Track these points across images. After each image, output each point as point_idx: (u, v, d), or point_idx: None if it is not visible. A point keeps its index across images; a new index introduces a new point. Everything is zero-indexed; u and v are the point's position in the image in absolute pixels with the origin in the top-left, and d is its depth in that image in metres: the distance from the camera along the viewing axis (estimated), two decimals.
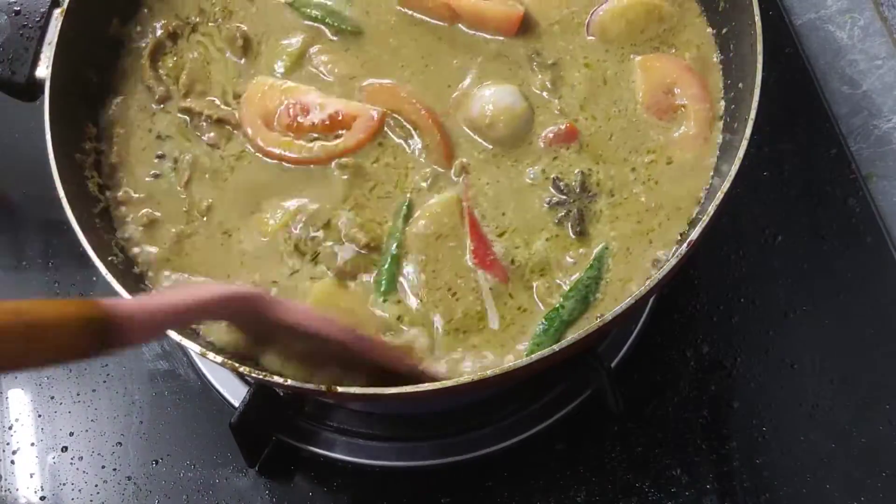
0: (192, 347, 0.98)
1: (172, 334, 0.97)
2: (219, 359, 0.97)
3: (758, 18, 1.06)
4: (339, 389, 0.95)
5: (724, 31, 1.16)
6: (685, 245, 0.98)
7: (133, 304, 0.87)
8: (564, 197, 1.11)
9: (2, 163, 1.54)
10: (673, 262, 0.97)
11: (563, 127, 1.14)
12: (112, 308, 0.81)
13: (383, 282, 1.08)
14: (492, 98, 1.14)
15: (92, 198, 1.14)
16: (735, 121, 1.10)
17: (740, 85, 1.10)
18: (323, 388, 0.95)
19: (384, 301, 1.07)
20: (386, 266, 1.08)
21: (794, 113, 1.44)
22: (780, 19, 1.51)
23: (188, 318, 0.93)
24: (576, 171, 1.11)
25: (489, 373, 0.93)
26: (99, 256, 1.02)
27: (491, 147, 1.14)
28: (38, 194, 1.44)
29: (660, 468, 1.23)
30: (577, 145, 1.13)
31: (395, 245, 1.09)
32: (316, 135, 1.14)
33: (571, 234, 1.09)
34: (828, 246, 1.36)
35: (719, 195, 0.98)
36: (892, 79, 1.48)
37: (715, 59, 1.17)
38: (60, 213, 1.05)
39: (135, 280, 1.10)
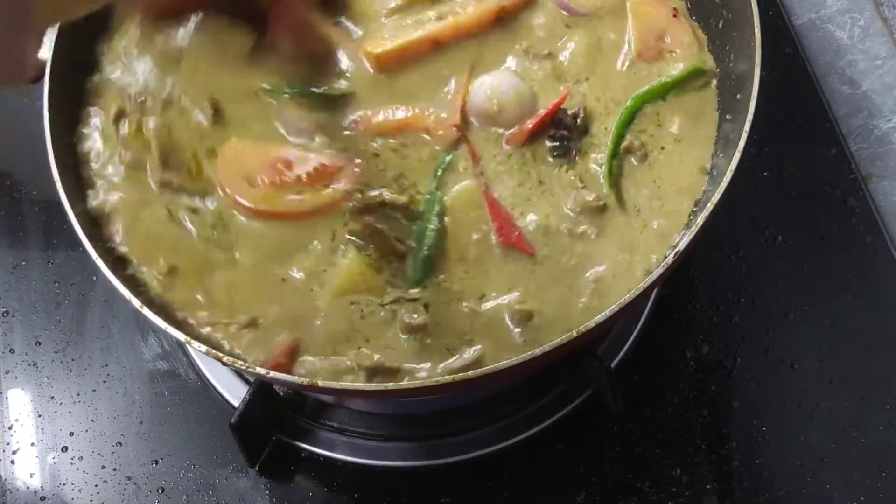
0: (177, 335, 0.98)
1: (173, 331, 0.97)
2: (203, 348, 0.98)
3: (757, 31, 1.06)
4: (320, 383, 0.95)
5: (726, 47, 1.16)
6: (672, 255, 0.98)
7: None
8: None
9: (6, 146, 1.54)
10: (659, 271, 0.97)
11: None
12: None
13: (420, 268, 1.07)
14: (492, 83, 1.14)
15: (91, 184, 1.13)
16: (730, 132, 1.10)
17: (738, 96, 1.09)
18: (306, 381, 0.96)
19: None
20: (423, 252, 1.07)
21: (794, 113, 1.44)
22: (780, 19, 1.51)
23: None
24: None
25: (471, 374, 0.93)
26: (94, 247, 1.02)
27: (503, 131, 1.14)
28: (41, 184, 1.45)
29: (660, 468, 1.23)
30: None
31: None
32: (301, 188, 1.11)
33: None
34: (828, 246, 1.36)
35: (709, 206, 0.98)
36: (892, 79, 1.48)
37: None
38: (62, 205, 1.05)
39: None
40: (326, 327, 1.04)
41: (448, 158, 1.12)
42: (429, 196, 1.10)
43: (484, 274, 1.07)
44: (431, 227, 1.08)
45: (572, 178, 1.10)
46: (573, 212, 1.09)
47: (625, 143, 1.12)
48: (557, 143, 1.12)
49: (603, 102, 1.15)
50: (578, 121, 1.13)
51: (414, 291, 1.05)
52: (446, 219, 1.09)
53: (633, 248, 1.07)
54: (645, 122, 1.14)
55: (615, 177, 1.10)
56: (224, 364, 0.98)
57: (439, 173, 1.11)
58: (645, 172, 1.11)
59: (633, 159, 1.12)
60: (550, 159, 1.12)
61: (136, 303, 0.98)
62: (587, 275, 1.06)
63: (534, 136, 1.13)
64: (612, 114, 1.14)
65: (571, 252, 1.07)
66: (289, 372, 1.02)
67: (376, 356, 1.02)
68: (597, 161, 1.11)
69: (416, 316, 1.04)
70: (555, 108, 1.13)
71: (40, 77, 1.13)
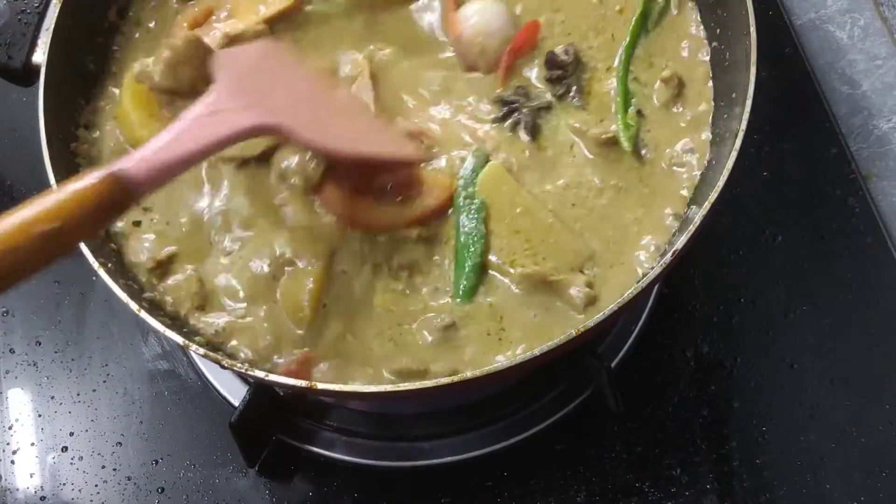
0: (176, 339, 0.98)
1: (171, 334, 0.98)
2: (201, 350, 0.98)
3: (753, 30, 1.06)
4: (320, 386, 0.96)
5: (721, 45, 1.16)
6: (670, 254, 0.98)
7: (143, 164, 0.88)
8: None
9: (4, 148, 1.54)
10: (658, 270, 0.97)
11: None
12: (125, 178, 0.86)
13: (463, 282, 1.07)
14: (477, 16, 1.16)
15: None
16: (726, 130, 1.09)
17: (734, 95, 1.09)
18: (304, 384, 0.96)
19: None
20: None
21: (794, 113, 1.44)
22: (780, 19, 1.51)
23: (203, 157, 0.94)
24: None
25: (469, 374, 0.93)
26: (87, 247, 1.02)
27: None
28: (40, 185, 1.45)
29: (660, 468, 1.23)
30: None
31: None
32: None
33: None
34: (828, 246, 1.36)
35: (707, 205, 0.98)
36: (892, 79, 1.48)
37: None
38: None
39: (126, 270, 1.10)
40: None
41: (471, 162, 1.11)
42: (463, 200, 1.10)
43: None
44: (474, 235, 1.07)
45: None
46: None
47: (664, 74, 1.13)
48: (557, 82, 1.15)
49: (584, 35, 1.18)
50: (569, 58, 1.14)
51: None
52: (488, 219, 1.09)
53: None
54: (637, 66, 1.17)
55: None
56: (223, 367, 0.98)
57: (468, 173, 1.10)
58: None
59: (666, 89, 1.14)
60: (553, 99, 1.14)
61: (134, 306, 0.99)
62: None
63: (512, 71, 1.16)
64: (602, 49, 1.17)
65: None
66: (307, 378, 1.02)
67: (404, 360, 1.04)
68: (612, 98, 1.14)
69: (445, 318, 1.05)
70: (523, 36, 1.15)
71: (35, 80, 1.13)
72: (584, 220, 1.09)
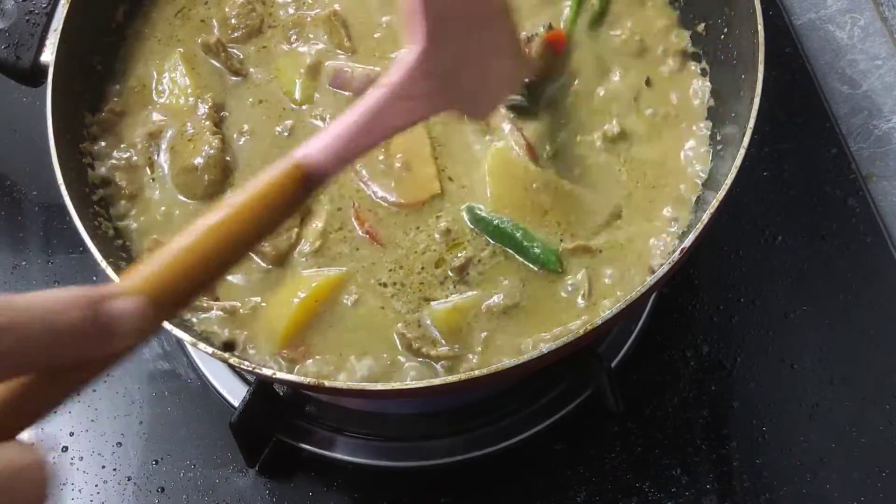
0: (185, 338, 0.98)
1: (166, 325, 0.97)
2: (209, 349, 0.98)
3: (761, 28, 1.06)
4: (327, 384, 0.96)
5: (729, 44, 1.16)
6: (678, 252, 0.98)
7: (320, 148, 0.83)
8: None
9: (5, 148, 1.54)
10: (666, 268, 0.97)
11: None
12: (307, 164, 0.80)
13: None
14: None
15: (92, 185, 1.14)
16: (733, 129, 1.09)
17: (741, 93, 1.09)
18: (312, 381, 0.96)
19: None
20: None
21: (794, 113, 1.44)
22: (780, 19, 1.51)
23: (377, 131, 0.88)
24: None
25: (477, 373, 0.93)
26: (97, 247, 1.02)
27: None
28: (41, 185, 1.46)
29: (660, 468, 1.23)
30: None
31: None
32: None
33: None
34: (828, 246, 1.36)
35: (714, 203, 0.98)
36: (892, 79, 1.48)
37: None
38: (62, 206, 1.05)
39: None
40: None
41: None
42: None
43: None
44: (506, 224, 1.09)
45: None
46: None
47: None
48: None
49: None
50: None
51: None
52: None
53: None
54: None
55: None
56: (230, 366, 0.98)
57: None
58: None
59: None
60: None
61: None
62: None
63: None
64: None
65: None
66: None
67: None
68: None
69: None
70: None
71: (43, 80, 1.13)
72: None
